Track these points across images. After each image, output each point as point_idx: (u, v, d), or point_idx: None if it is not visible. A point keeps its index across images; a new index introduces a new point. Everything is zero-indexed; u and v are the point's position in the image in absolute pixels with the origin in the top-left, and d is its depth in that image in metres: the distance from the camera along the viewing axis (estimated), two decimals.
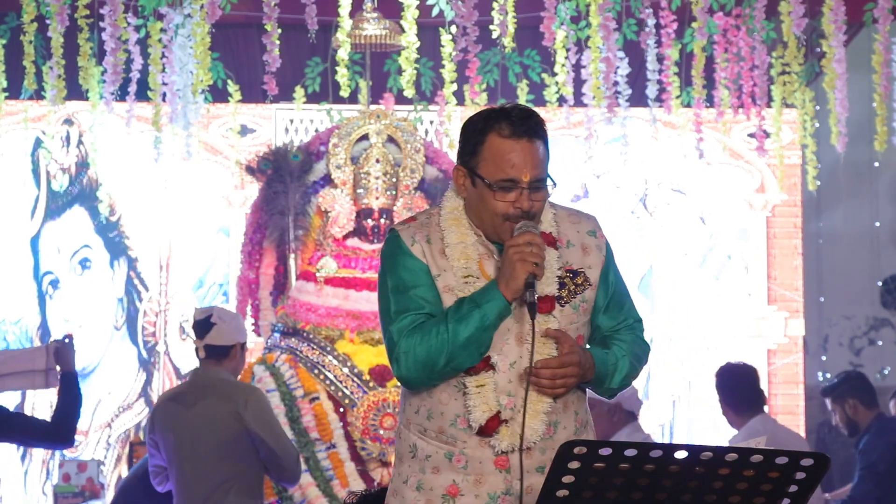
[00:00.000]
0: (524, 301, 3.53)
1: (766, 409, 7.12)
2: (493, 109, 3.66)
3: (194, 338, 6.20)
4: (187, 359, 9.37)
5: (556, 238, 3.67)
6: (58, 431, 6.11)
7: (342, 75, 8.21)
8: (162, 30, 8.31)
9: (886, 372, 10.94)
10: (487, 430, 3.56)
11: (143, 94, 8.48)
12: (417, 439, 3.64)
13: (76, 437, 6.39)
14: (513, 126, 3.58)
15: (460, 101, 8.71)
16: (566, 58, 8.52)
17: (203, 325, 6.15)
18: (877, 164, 10.56)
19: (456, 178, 3.66)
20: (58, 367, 6.24)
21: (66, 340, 6.26)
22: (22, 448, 9.16)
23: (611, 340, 3.70)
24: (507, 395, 3.57)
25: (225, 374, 6.17)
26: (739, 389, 6.89)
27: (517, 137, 3.57)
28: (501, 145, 3.57)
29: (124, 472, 9.16)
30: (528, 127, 3.58)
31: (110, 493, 8.39)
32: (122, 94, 8.48)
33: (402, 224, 3.71)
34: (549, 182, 3.62)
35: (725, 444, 6.50)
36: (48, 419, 6.24)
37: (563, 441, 3.47)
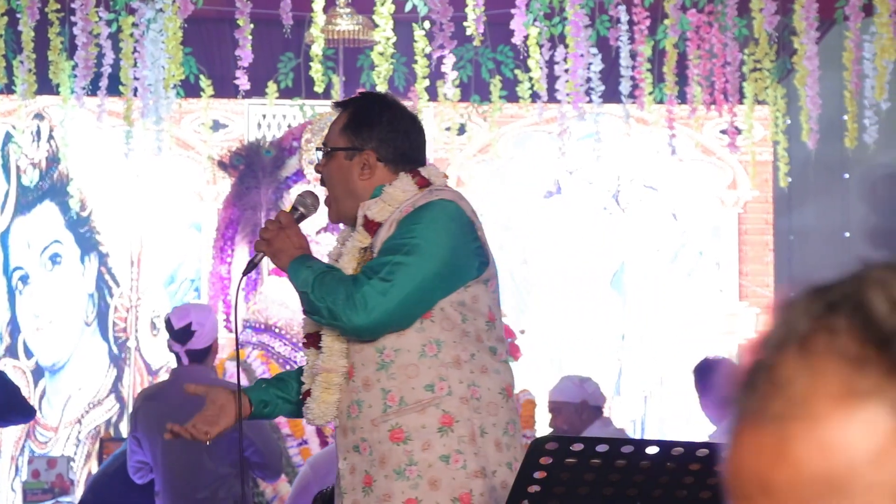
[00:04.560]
0: None
1: None
2: None
3: (174, 342, 6.16)
4: (158, 355, 9.34)
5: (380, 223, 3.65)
6: (8, 402, 6.02)
7: (316, 71, 8.20)
8: (133, 24, 8.27)
9: None
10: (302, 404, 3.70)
11: (114, 89, 8.45)
12: None
13: (47, 433, 6.36)
14: None
15: (433, 96, 8.71)
16: (539, 54, 8.52)
17: (184, 332, 6.12)
18: (847, 160, 10.60)
19: None
20: None
21: None
22: None
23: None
24: (310, 370, 3.70)
25: (208, 371, 6.15)
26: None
27: None
28: None
29: (94, 468, 9.12)
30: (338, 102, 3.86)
31: (80, 490, 8.35)
32: (93, 89, 8.44)
33: None
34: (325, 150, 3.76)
35: (697, 439, 6.50)
36: None
37: (372, 419, 3.55)
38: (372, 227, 3.63)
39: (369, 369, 3.57)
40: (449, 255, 3.53)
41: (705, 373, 6.98)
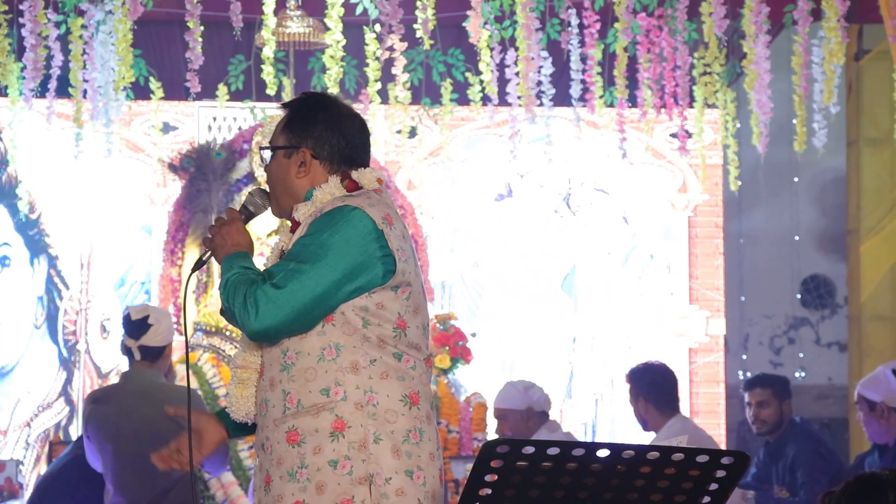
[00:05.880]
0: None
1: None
2: None
3: (128, 338, 6.11)
4: (108, 357, 9.29)
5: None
6: None
7: (268, 73, 8.18)
8: (83, 26, 8.23)
9: (804, 372, 11.06)
10: None
11: (63, 91, 8.39)
12: None
13: None
14: None
15: (384, 99, 8.71)
16: (490, 57, 8.54)
17: (140, 325, 6.06)
18: (797, 164, 10.68)
19: None
20: None
21: None
22: None
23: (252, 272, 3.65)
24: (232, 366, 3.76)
25: (158, 375, 6.11)
26: (666, 387, 6.85)
27: None
28: None
29: (43, 471, 9.06)
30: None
31: (29, 494, 8.29)
32: (42, 91, 8.38)
33: None
34: (269, 150, 3.80)
35: (647, 442, 6.53)
36: None
37: (275, 419, 3.57)
38: (296, 228, 3.66)
39: (274, 369, 3.61)
40: (348, 262, 3.54)
41: (647, 376, 6.95)
